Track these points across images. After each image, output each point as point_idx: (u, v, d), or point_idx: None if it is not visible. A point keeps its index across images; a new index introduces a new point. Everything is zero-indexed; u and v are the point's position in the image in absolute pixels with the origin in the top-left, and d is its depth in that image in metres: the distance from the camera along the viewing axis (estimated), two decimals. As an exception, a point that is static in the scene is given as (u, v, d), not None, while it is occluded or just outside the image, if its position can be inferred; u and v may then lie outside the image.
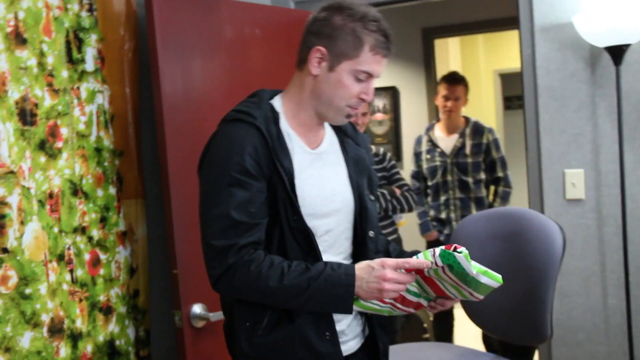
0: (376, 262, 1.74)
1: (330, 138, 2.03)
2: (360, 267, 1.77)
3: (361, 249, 1.99)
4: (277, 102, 1.97)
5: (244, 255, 1.77)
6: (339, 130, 2.07)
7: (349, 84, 1.86)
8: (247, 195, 1.79)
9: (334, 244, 1.94)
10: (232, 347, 1.96)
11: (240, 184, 1.79)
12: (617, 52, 2.87)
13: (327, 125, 2.05)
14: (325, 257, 1.88)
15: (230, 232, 1.78)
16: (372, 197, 2.05)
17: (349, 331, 1.96)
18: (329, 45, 1.85)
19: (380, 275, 1.70)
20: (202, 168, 1.92)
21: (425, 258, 1.73)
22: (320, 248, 1.88)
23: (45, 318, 2.23)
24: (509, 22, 3.42)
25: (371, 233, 2.01)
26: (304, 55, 1.90)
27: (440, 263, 1.70)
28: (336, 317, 1.92)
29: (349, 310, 1.78)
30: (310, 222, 1.86)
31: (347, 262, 1.99)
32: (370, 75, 1.88)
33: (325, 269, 1.77)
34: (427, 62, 5.92)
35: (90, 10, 2.48)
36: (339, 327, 1.91)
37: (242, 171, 1.79)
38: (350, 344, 1.97)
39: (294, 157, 1.89)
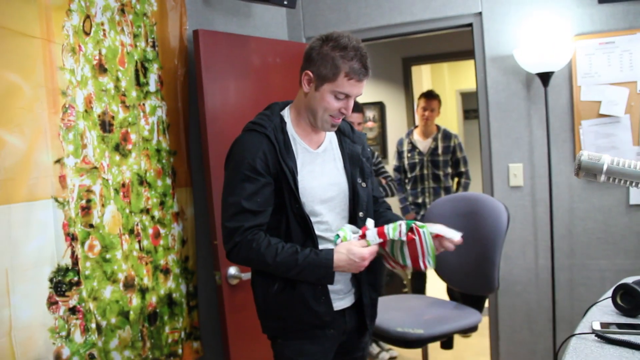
0: (354, 248, 1.74)
1: (330, 138, 1.98)
2: (339, 251, 1.76)
3: (353, 225, 1.91)
4: (286, 112, 1.93)
5: (248, 235, 1.76)
6: (338, 130, 2.00)
7: (330, 101, 1.81)
8: (254, 188, 1.78)
9: (333, 222, 1.89)
10: (256, 304, 1.96)
11: (250, 180, 1.77)
12: (545, 77, 2.90)
13: None
14: (329, 233, 1.87)
15: (239, 217, 1.77)
16: (364, 184, 1.97)
17: (341, 291, 1.93)
18: (315, 70, 1.80)
19: (360, 256, 1.73)
20: (226, 165, 1.89)
21: (394, 230, 1.75)
22: (322, 226, 1.86)
23: (121, 276, 2.27)
24: (467, 53, 3.42)
25: (360, 214, 1.93)
26: (300, 77, 1.87)
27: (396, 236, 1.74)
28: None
29: (329, 282, 1.79)
30: (314, 207, 1.84)
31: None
32: (347, 95, 1.81)
33: (310, 253, 1.76)
34: (406, 83, 5.90)
35: (153, 46, 2.51)
36: (334, 287, 1.88)
37: (251, 170, 1.77)
38: (344, 300, 1.94)
39: (298, 156, 1.86)
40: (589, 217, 3.00)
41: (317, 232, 1.85)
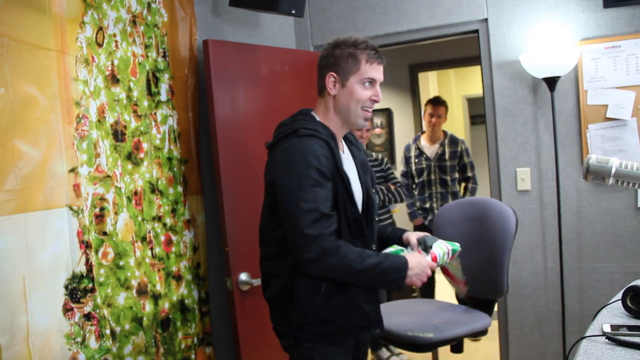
0: (424, 260, 1.87)
1: (344, 147, 2.02)
2: (412, 260, 1.84)
3: (370, 228, 1.96)
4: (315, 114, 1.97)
5: (333, 242, 1.74)
6: (346, 139, 2.06)
7: (360, 91, 1.87)
8: (326, 193, 1.77)
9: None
10: (288, 309, 1.88)
11: (320, 185, 1.75)
12: (551, 82, 2.89)
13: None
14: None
15: (321, 223, 1.73)
16: (374, 190, 2.04)
17: None
18: (337, 70, 1.87)
19: (428, 264, 1.86)
20: (284, 172, 1.80)
21: (441, 250, 1.96)
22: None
23: (134, 283, 2.28)
24: (473, 59, 3.43)
25: (376, 217, 2.02)
26: (322, 84, 1.92)
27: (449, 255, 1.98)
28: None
29: (399, 288, 1.84)
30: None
31: None
32: (373, 80, 1.88)
33: (389, 256, 1.83)
34: (413, 89, 5.91)
35: (164, 56, 2.53)
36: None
37: (320, 174, 1.76)
38: None
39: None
40: (597, 220, 2.99)
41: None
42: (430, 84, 6.72)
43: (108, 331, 2.12)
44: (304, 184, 1.75)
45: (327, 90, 1.90)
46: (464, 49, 4.57)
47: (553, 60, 2.82)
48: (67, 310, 1.96)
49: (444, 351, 2.53)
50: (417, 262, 1.84)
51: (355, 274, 1.76)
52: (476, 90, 4.68)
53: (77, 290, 2.00)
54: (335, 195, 1.81)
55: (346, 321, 1.87)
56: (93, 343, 2.05)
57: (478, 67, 3.24)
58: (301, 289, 1.84)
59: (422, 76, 6.11)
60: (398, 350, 4.03)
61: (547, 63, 2.84)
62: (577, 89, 2.96)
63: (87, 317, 2.04)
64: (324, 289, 1.82)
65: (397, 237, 2.11)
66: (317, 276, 1.80)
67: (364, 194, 1.96)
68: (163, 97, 2.52)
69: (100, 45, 2.20)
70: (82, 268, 2.03)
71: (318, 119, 1.94)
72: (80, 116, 2.07)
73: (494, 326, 2.69)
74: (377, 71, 1.89)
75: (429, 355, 2.69)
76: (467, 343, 4.08)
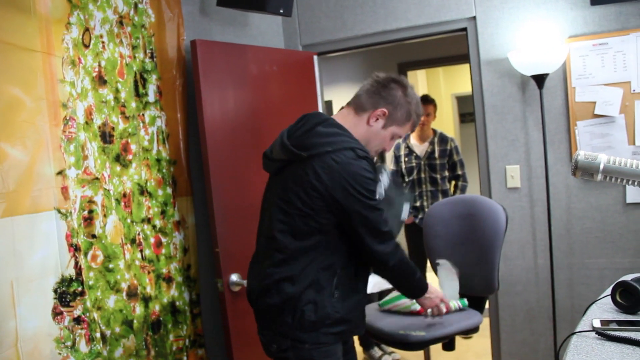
0: (441, 293, 2.19)
1: None
2: (432, 286, 2.14)
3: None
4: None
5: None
6: None
7: (387, 140, 1.99)
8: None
9: None
10: (296, 316, 1.87)
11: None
12: (539, 80, 2.91)
13: None
14: None
15: (387, 223, 1.90)
16: None
17: None
18: (391, 111, 1.93)
19: (437, 301, 2.16)
20: (346, 185, 1.81)
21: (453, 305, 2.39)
22: None
23: (124, 285, 2.27)
24: (462, 57, 3.44)
25: None
26: (368, 108, 1.94)
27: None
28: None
29: (414, 297, 2.15)
30: None
31: None
32: (399, 137, 2.02)
33: (421, 276, 2.07)
34: (402, 88, 5.93)
35: (151, 57, 2.52)
36: None
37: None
38: None
39: None
40: (586, 216, 3.01)
41: None
42: (420, 82, 6.73)
43: (98, 334, 2.11)
44: (371, 192, 1.86)
45: (369, 116, 1.94)
46: (453, 47, 4.59)
47: (541, 57, 2.84)
48: (56, 314, 1.95)
49: (436, 349, 2.54)
50: (436, 290, 2.15)
51: (410, 272, 2.01)
52: (465, 88, 4.70)
53: (67, 293, 1.99)
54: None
55: (359, 320, 1.99)
56: (83, 347, 2.04)
57: (467, 65, 3.25)
58: (323, 291, 1.87)
59: (411, 75, 6.12)
60: (390, 349, 4.04)
61: (536, 60, 2.85)
62: (566, 86, 2.98)
63: (77, 320, 2.02)
64: (337, 292, 1.89)
65: None
66: (388, 270, 1.95)
67: None
68: (151, 98, 2.50)
69: (86, 46, 2.18)
70: (71, 271, 2.02)
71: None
72: (68, 118, 2.06)
73: (485, 323, 2.70)
74: (405, 132, 2.03)
75: (420, 353, 2.69)
76: (459, 341, 4.09)
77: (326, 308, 1.86)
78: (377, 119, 1.94)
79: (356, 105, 1.98)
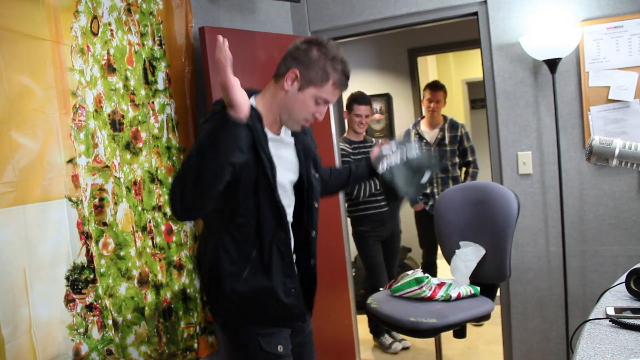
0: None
1: (285, 129, 1.90)
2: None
3: (308, 216, 1.93)
4: (252, 100, 1.82)
5: None
6: None
7: (310, 105, 1.79)
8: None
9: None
10: (215, 289, 1.83)
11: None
12: (552, 64, 2.87)
13: None
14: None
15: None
16: (317, 175, 1.98)
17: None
18: (303, 72, 1.76)
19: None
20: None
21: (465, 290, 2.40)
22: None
23: (135, 273, 2.29)
24: (473, 42, 3.41)
25: (316, 204, 1.95)
26: (282, 72, 1.80)
27: None
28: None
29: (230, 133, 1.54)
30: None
31: (290, 219, 1.90)
32: (326, 102, 1.81)
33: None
34: (412, 74, 5.88)
35: (160, 44, 2.52)
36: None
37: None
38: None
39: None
40: (599, 203, 2.98)
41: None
42: (430, 68, 6.68)
43: (110, 321, 2.13)
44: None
45: (283, 81, 1.79)
46: (463, 32, 4.54)
47: (554, 41, 2.80)
48: (68, 301, 1.97)
49: (447, 336, 2.54)
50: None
51: (193, 165, 1.52)
52: (476, 74, 4.66)
53: (78, 281, 2.01)
54: (257, 177, 1.73)
55: (266, 311, 1.83)
56: (95, 333, 2.06)
57: (478, 51, 3.22)
58: (225, 269, 1.78)
59: (421, 60, 6.07)
60: (400, 336, 4.04)
61: (548, 45, 2.82)
62: (579, 70, 2.94)
63: (89, 307, 2.04)
64: (246, 272, 1.77)
65: (366, 166, 2.18)
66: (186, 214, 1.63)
67: (304, 180, 1.93)
68: (160, 85, 2.50)
69: (95, 34, 2.18)
70: (82, 259, 2.03)
71: (253, 103, 1.83)
72: (77, 106, 2.06)
73: (496, 311, 2.70)
74: (335, 95, 1.82)
75: (431, 340, 2.70)
76: (470, 328, 4.10)
77: (225, 287, 1.80)
78: (292, 82, 1.77)
79: (274, 74, 1.85)
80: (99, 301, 2.08)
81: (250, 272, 1.78)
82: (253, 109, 1.76)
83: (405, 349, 4.01)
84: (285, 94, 1.80)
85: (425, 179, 2.17)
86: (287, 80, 1.78)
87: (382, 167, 2.17)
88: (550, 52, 2.84)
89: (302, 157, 1.94)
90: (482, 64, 3.18)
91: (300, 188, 1.93)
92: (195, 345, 2.59)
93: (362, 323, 3.93)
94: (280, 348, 1.82)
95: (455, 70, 7.28)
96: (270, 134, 1.82)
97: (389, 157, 2.20)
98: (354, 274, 4.28)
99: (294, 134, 1.94)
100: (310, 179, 1.94)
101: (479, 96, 7.07)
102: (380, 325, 3.25)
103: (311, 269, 1.96)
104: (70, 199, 2.00)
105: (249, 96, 1.79)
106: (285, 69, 1.79)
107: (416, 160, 2.14)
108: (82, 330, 2.01)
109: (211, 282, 1.85)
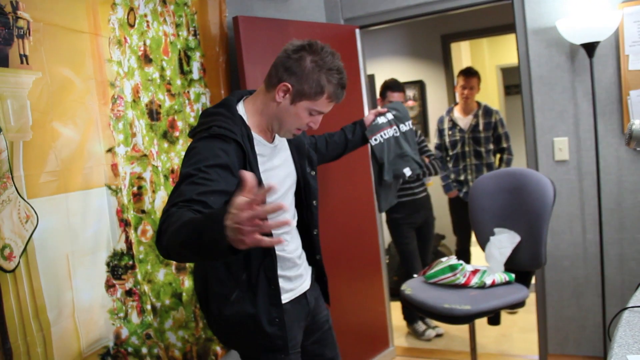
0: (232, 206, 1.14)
1: (274, 136, 1.83)
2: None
3: (308, 214, 1.92)
4: (241, 107, 1.76)
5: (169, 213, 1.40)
6: None
7: (303, 117, 1.71)
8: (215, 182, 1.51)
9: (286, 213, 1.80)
10: (205, 310, 1.84)
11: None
12: (590, 48, 2.80)
13: None
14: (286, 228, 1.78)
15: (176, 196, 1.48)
16: (313, 173, 1.93)
17: (304, 273, 1.93)
18: (295, 84, 1.66)
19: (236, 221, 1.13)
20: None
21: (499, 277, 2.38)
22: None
23: (172, 259, 2.34)
24: (507, 27, 3.34)
25: (314, 202, 1.92)
26: (273, 83, 1.69)
27: None
28: (295, 262, 1.85)
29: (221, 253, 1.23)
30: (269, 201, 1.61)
31: (295, 220, 1.90)
32: (320, 113, 1.73)
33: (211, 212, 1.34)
34: (446, 60, 5.81)
35: (195, 35, 2.54)
36: (297, 271, 1.87)
37: (219, 167, 1.55)
38: (306, 282, 1.93)
39: (258, 150, 1.71)
40: (639, 190, 2.90)
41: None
42: (463, 54, 6.57)
43: (149, 306, 2.18)
44: (192, 164, 1.53)
45: (274, 93, 1.69)
46: (498, 17, 4.46)
47: (592, 24, 2.72)
48: (109, 286, 2.02)
49: (481, 323, 2.52)
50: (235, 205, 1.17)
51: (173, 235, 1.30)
52: (510, 59, 4.56)
53: (118, 267, 2.06)
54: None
55: (250, 339, 1.78)
56: (135, 318, 2.11)
57: (512, 36, 3.15)
58: (213, 288, 1.76)
59: (454, 47, 5.98)
60: (434, 323, 4.03)
61: (586, 28, 2.74)
62: (618, 54, 2.86)
63: (129, 293, 2.09)
64: (235, 295, 1.73)
65: (360, 134, 2.23)
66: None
67: (299, 179, 1.90)
68: (195, 75, 2.53)
69: (131, 25, 2.21)
70: (122, 245, 2.08)
71: (243, 112, 1.74)
72: (116, 97, 2.10)
73: (531, 298, 2.66)
74: (330, 107, 1.74)
75: (465, 327, 2.69)
76: (504, 315, 4.06)
77: (212, 307, 1.82)
78: (284, 95, 1.68)
79: (266, 81, 1.74)
80: (138, 287, 2.13)
81: (238, 295, 1.74)
82: (244, 124, 1.69)
83: (438, 335, 4.00)
84: (277, 105, 1.71)
85: (406, 171, 2.24)
86: (278, 92, 1.68)
87: (374, 140, 2.26)
88: (588, 35, 2.76)
89: (296, 156, 1.91)
90: (517, 49, 3.11)
91: (297, 187, 1.91)
92: (232, 330, 2.62)
93: (395, 310, 3.92)
94: None
95: (489, 56, 7.14)
96: (263, 142, 1.75)
97: (384, 129, 2.30)
98: (387, 261, 4.28)
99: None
100: (306, 178, 1.92)
101: (513, 82, 6.92)
102: (414, 311, 3.24)
103: (317, 263, 2.01)
104: (109, 187, 2.05)
105: (240, 98, 1.78)
106: (277, 81, 1.68)
107: (406, 136, 2.23)
108: (122, 314, 2.06)
109: (201, 301, 1.86)
